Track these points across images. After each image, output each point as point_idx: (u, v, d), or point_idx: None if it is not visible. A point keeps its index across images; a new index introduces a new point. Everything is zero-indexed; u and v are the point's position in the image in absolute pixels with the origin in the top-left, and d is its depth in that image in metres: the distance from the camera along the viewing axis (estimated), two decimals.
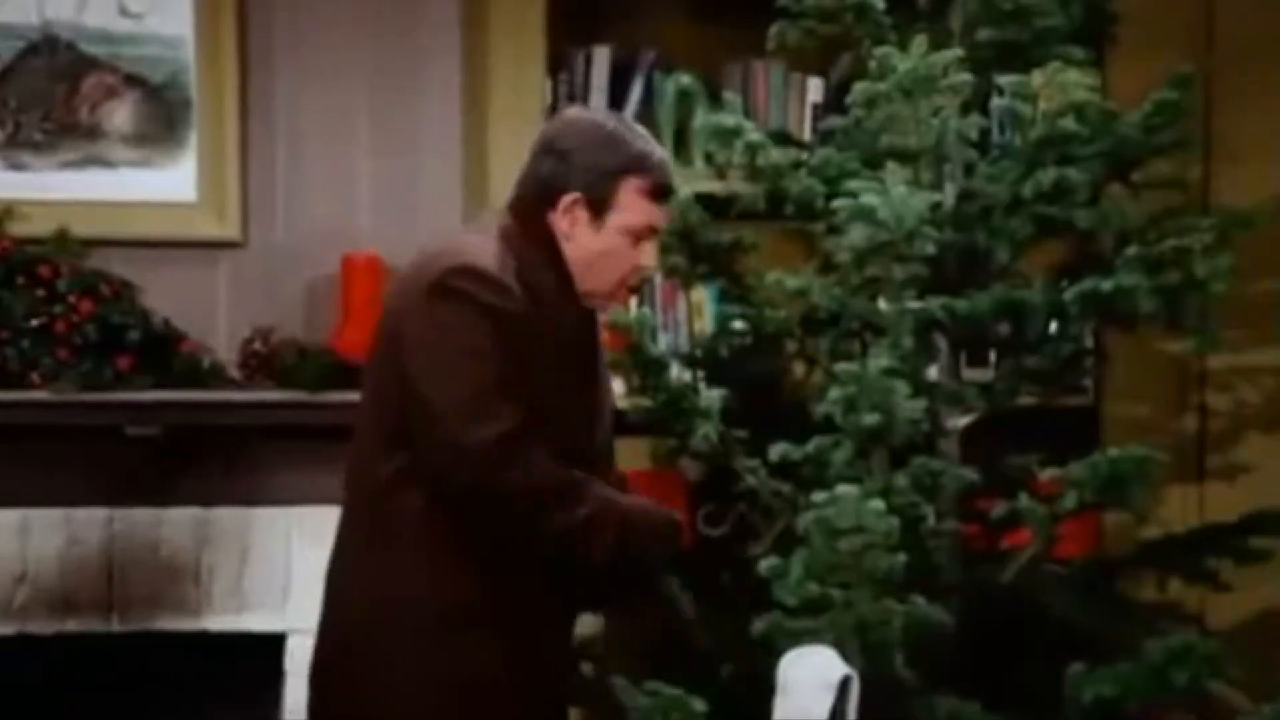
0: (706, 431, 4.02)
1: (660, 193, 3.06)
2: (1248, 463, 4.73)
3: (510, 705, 3.06)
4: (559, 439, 3.00)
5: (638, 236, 3.05)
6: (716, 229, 4.23)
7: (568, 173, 3.05)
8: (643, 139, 3.09)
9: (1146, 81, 4.15)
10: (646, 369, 4.09)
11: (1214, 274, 3.96)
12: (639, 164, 3.04)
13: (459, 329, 2.98)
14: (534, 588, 3.05)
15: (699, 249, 4.22)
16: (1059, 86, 3.98)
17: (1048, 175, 3.97)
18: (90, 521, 4.44)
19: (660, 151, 3.10)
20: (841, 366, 3.88)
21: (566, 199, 3.04)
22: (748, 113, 4.42)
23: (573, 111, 3.28)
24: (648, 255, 3.07)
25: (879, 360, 3.86)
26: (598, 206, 3.04)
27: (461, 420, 2.95)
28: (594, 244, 3.05)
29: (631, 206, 3.04)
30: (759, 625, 3.84)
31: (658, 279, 4.69)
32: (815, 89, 4.79)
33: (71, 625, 4.44)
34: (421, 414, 2.97)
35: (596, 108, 3.32)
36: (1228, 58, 4.66)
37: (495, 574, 3.03)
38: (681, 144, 4.75)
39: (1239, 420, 4.77)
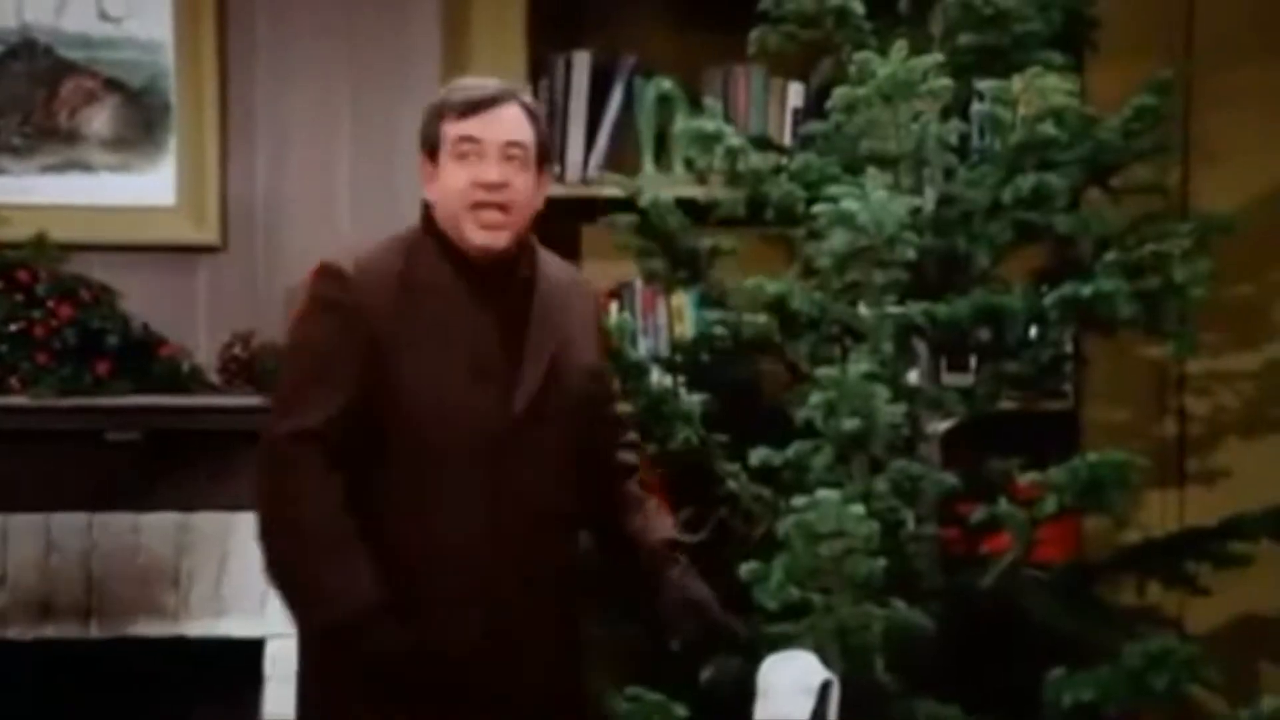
0: (687, 436, 4.02)
1: (465, 110, 3.14)
2: (1227, 467, 4.74)
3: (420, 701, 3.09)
4: (448, 422, 3.06)
5: (460, 154, 3.13)
6: (697, 234, 4.23)
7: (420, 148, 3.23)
8: (461, 84, 3.22)
9: (1126, 87, 4.16)
10: (627, 373, 4.09)
11: (1193, 279, 3.96)
12: (445, 100, 3.19)
13: (296, 326, 3.19)
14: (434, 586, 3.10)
15: (679, 254, 4.22)
16: (1038, 91, 3.99)
17: (1027, 180, 3.98)
18: (69, 527, 4.43)
19: (472, 85, 3.21)
20: (822, 371, 3.88)
21: (421, 167, 3.20)
22: (728, 118, 4.42)
23: None
24: (485, 169, 3.12)
25: (859, 365, 3.86)
26: (432, 155, 3.18)
27: (276, 412, 3.12)
28: (438, 188, 3.18)
29: (449, 133, 3.16)
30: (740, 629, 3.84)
31: (638, 284, 4.70)
32: (796, 94, 4.79)
33: (50, 631, 4.43)
34: None
35: None
36: (1206, 62, 4.67)
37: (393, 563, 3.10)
38: (662, 149, 4.76)
39: (1218, 425, 4.78)
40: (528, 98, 3.23)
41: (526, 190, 3.15)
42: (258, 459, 3.10)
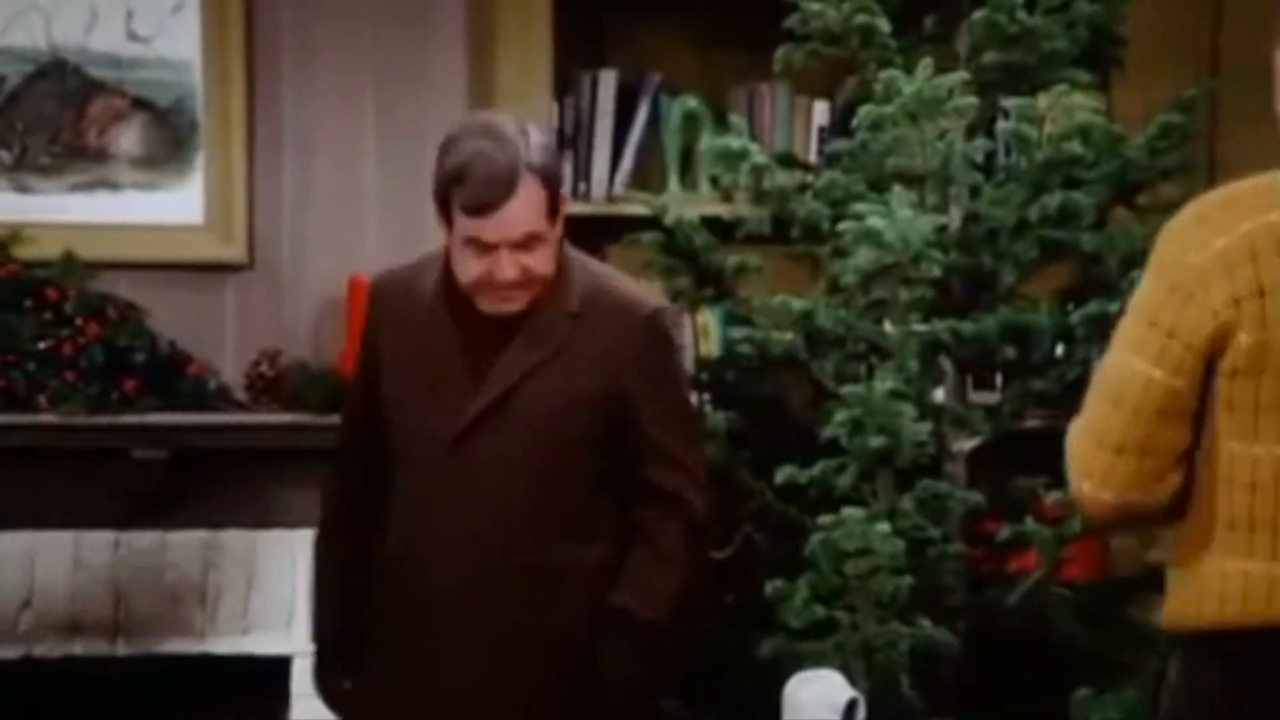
0: (712, 454, 4.02)
1: (476, 210, 2.99)
2: None
3: None
4: (406, 431, 3.13)
5: (477, 249, 3.02)
6: (722, 252, 4.23)
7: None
8: (480, 147, 3.00)
9: (1152, 105, 4.16)
10: None
11: None
12: (456, 178, 3.01)
13: None
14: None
15: (705, 272, 4.22)
16: (1064, 109, 3.99)
17: (1053, 198, 3.98)
18: (96, 544, 4.44)
19: (490, 162, 2.99)
20: (847, 389, 3.89)
21: (437, 212, 3.12)
22: (754, 135, 4.42)
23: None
24: (498, 266, 3.02)
25: (885, 383, 3.86)
26: (444, 215, 3.08)
27: None
28: (454, 251, 3.10)
29: (459, 219, 3.04)
30: (765, 647, 3.84)
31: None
32: (821, 112, 4.79)
33: (78, 648, 4.44)
34: None
35: (508, 112, 3.28)
36: (1232, 81, 4.66)
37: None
38: (687, 167, 4.76)
39: None
40: (535, 154, 3.03)
41: (546, 260, 3.05)
42: None
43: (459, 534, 3.08)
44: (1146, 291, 2.45)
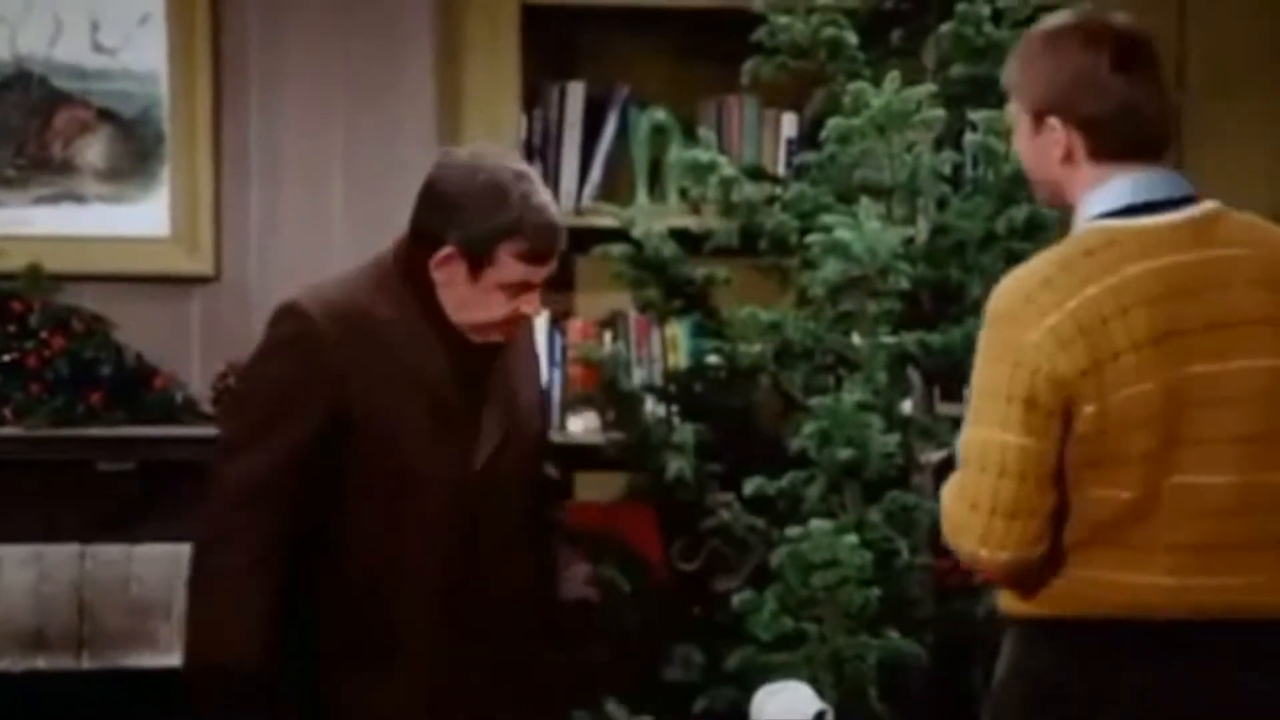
0: (681, 466, 4.01)
1: (537, 258, 3.01)
2: None
3: None
4: (407, 467, 3.01)
5: (514, 291, 3.03)
6: (691, 264, 4.23)
7: (445, 225, 3.01)
8: (527, 193, 3.00)
9: None
10: (620, 404, 4.09)
11: None
12: (516, 227, 2.98)
13: (254, 366, 3.14)
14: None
15: (674, 284, 4.22)
16: None
17: (1020, 211, 3.99)
18: (61, 558, 4.42)
19: (544, 210, 3.01)
20: (816, 401, 3.89)
21: (442, 252, 3.01)
22: (722, 148, 4.42)
23: (462, 153, 3.17)
24: (529, 304, 3.05)
25: (853, 395, 3.87)
26: (474, 264, 3.01)
27: (228, 450, 3.08)
28: (468, 294, 3.03)
29: (507, 267, 3.01)
30: (733, 660, 3.83)
31: (632, 314, 4.71)
32: (789, 124, 4.80)
33: (41, 662, 4.42)
34: None
35: (489, 148, 3.23)
36: (1199, 94, 4.68)
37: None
38: (656, 179, 4.76)
39: None
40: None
41: None
42: (210, 493, 3.06)
43: (478, 553, 3.09)
44: (993, 372, 2.67)
